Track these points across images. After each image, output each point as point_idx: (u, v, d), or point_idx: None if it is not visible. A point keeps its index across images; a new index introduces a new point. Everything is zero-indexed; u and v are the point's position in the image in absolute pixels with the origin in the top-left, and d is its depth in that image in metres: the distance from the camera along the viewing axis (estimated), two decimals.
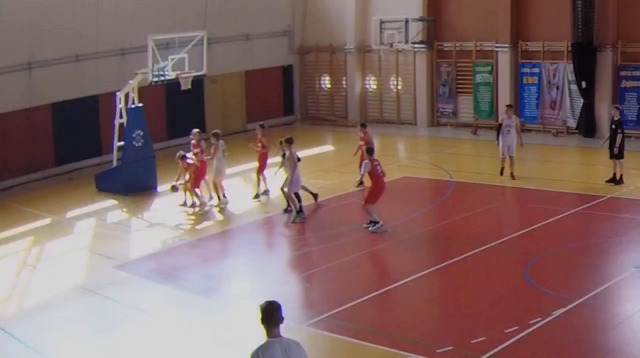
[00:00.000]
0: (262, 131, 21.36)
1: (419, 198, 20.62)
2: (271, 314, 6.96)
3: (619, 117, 20.60)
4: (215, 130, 20.99)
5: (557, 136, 27.38)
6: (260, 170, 21.05)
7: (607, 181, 20.23)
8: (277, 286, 14.74)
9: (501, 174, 21.55)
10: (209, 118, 30.40)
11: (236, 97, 31.51)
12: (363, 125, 21.70)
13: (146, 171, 22.42)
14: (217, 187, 20.38)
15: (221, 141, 20.37)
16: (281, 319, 7.02)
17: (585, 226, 17.43)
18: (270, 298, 7.22)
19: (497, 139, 21.72)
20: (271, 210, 19.79)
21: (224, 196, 20.36)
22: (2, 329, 13.10)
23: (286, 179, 18.83)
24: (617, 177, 20.16)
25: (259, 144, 21.06)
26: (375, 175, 17.20)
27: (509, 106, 22.52)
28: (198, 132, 21.01)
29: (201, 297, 14.26)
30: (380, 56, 31.41)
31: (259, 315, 7.00)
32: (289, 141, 18.90)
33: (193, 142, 20.74)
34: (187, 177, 20.05)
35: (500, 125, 21.70)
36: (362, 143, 20.74)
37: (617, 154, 20.18)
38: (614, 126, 20.47)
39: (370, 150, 17.73)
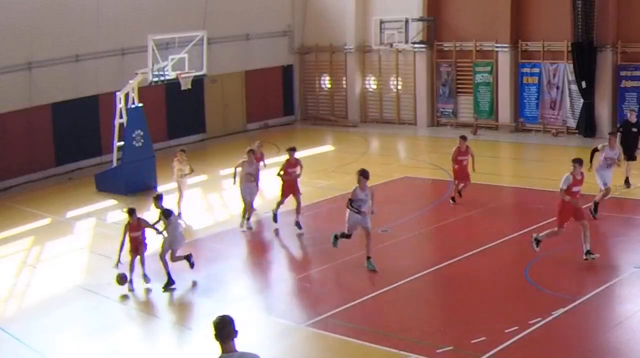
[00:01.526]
0: (183, 155, 19.40)
1: (419, 198, 20.60)
2: (222, 329, 6.70)
3: (635, 119, 20.38)
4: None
5: (557, 136, 27.38)
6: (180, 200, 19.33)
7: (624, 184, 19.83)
8: (277, 286, 14.74)
9: (594, 215, 17.37)
10: (209, 118, 30.43)
11: (236, 97, 31.51)
12: (464, 138, 19.21)
13: (146, 171, 22.40)
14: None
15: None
16: (234, 333, 6.74)
17: None
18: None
19: (591, 164, 17.57)
20: (271, 211, 19.76)
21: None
22: (2, 329, 13.10)
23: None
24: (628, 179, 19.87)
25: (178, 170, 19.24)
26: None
27: (611, 134, 18.51)
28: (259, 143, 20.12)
29: (201, 297, 14.26)
30: (380, 56, 31.41)
31: (212, 331, 6.75)
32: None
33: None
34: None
35: (596, 150, 17.84)
36: (463, 158, 18.95)
37: (635, 156, 19.80)
38: (635, 129, 20.15)
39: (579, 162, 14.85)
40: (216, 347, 6.76)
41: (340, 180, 22.31)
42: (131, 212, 14.76)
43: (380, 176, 22.71)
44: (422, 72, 30.32)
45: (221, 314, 6.80)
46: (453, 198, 19.23)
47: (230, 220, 19.24)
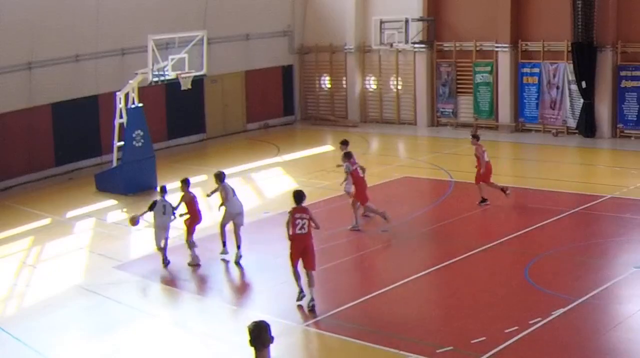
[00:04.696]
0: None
1: (419, 198, 20.61)
2: (258, 336, 6.54)
3: None
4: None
5: (557, 136, 27.38)
6: None
7: None
8: (277, 286, 14.73)
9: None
10: (209, 118, 30.43)
11: (236, 97, 31.51)
12: (476, 137, 19.42)
13: (146, 171, 22.41)
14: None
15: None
16: (270, 339, 6.58)
17: (585, 226, 17.43)
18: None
19: None
20: (271, 210, 19.79)
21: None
22: (2, 329, 13.10)
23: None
24: None
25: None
26: None
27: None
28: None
29: (201, 297, 14.26)
30: (380, 56, 31.41)
31: (247, 337, 6.59)
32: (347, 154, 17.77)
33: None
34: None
35: None
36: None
37: None
38: None
39: None
40: (249, 352, 6.63)
41: (340, 180, 22.29)
42: (185, 180, 16.00)
43: (380, 176, 22.73)
44: (422, 72, 30.31)
45: (257, 320, 6.66)
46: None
47: None
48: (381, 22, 29.64)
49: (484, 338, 11.44)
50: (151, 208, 15.68)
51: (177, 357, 11.97)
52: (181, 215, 15.85)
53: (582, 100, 26.50)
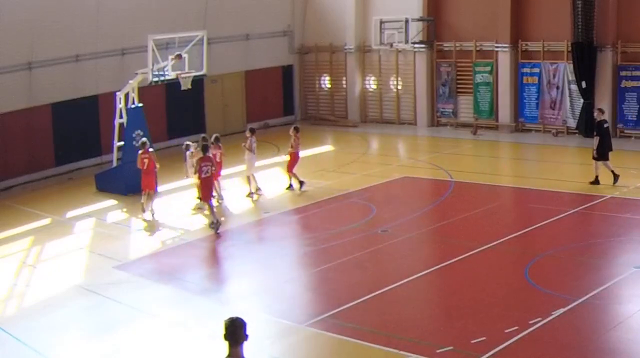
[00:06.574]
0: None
1: (419, 198, 20.61)
2: (234, 332, 6.62)
3: (596, 118, 20.66)
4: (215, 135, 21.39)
5: (557, 136, 27.39)
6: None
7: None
8: (277, 286, 14.74)
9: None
10: (209, 118, 30.42)
11: (236, 97, 31.51)
12: (296, 129, 21.95)
13: None
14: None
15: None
16: (245, 337, 6.65)
17: (585, 226, 17.43)
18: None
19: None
20: (271, 210, 19.79)
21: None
22: (2, 329, 13.10)
23: None
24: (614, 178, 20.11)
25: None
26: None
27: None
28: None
29: (201, 297, 14.27)
30: (380, 56, 31.42)
31: (222, 331, 6.66)
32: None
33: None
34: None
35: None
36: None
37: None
38: (607, 126, 20.59)
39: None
40: (223, 347, 6.69)
41: (340, 180, 22.32)
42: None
43: (380, 176, 22.75)
44: (422, 72, 30.31)
45: (234, 316, 6.72)
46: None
47: (230, 220, 19.24)
48: (381, 22, 29.62)
49: (484, 338, 11.44)
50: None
51: (177, 357, 11.98)
52: None
53: (582, 100, 26.49)
